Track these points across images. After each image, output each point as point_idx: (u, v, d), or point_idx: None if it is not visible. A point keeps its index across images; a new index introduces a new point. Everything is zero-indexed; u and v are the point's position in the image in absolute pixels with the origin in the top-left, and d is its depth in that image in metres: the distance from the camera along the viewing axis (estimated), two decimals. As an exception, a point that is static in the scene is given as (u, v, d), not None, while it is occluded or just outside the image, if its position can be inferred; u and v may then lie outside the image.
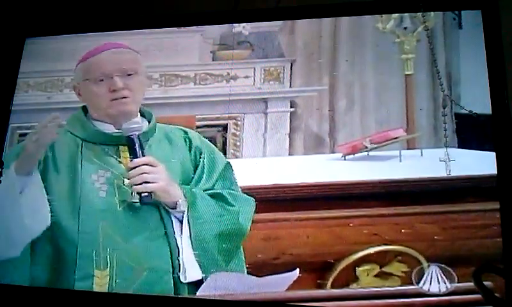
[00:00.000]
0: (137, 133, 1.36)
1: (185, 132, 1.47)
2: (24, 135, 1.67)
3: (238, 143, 1.57)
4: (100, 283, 1.31)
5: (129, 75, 1.41)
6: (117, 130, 1.40)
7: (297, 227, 1.39)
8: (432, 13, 1.52)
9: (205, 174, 1.41)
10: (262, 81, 1.64)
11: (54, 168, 1.39)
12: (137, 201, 1.33)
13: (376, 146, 1.51)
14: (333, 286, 1.36)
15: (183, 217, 1.34)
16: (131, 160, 1.34)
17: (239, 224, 1.37)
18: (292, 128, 1.58)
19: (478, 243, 1.32)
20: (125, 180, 1.36)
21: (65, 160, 1.39)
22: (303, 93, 1.61)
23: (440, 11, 1.54)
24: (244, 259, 1.37)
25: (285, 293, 1.32)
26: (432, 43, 1.50)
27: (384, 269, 1.36)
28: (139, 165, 1.33)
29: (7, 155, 1.55)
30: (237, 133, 1.59)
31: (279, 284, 1.32)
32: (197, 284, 1.33)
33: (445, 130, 1.45)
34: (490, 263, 1.26)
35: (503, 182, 1.31)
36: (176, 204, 1.34)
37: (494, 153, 1.34)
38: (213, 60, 1.66)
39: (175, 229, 1.34)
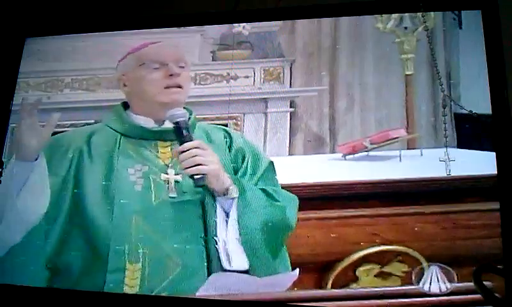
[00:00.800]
0: (183, 119, 1.35)
1: (226, 131, 1.46)
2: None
3: (238, 143, 1.57)
4: (132, 277, 1.30)
5: (181, 67, 1.42)
6: (156, 126, 1.41)
7: (297, 227, 1.39)
8: (432, 13, 1.52)
9: (247, 174, 1.40)
10: (262, 81, 1.64)
11: (89, 161, 1.39)
12: (174, 196, 1.34)
13: (376, 146, 1.51)
14: (333, 286, 1.36)
15: (231, 205, 1.33)
16: (180, 145, 1.33)
17: (286, 218, 1.36)
18: (292, 128, 1.59)
19: (478, 243, 1.32)
20: (162, 175, 1.36)
21: (102, 153, 1.39)
22: (303, 93, 1.61)
23: (440, 11, 1.54)
24: (288, 257, 1.35)
25: (285, 293, 1.32)
26: (432, 43, 1.50)
27: (384, 269, 1.36)
28: (190, 149, 1.32)
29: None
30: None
31: (279, 284, 1.32)
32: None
33: (445, 130, 1.45)
34: (490, 263, 1.26)
35: (503, 182, 1.31)
36: (228, 190, 1.33)
37: (494, 153, 1.34)
38: (213, 60, 1.66)
39: (218, 221, 1.33)
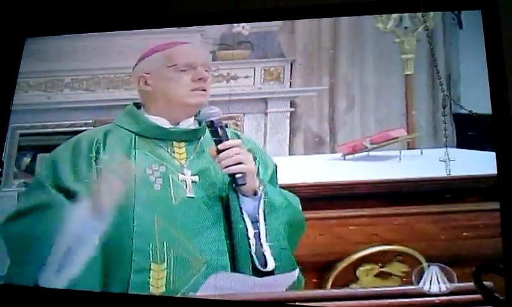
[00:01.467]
0: (216, 117, 1.35)
1: (237, 134, 1.46)
2: (24, 135, 1.68)
3: (238, 143, 1.57)
4: (157, 277, 1.29)
5: (206, 70, 1.42)
6: (172, 126, 1.41)
7: (297, 227, 1.39)
8: (432, 13, 1.52)
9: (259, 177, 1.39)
10: (262, 81, 1.65)
11: (108, 161, 1.38)
12: (193, 196, 1.34)
13: (376, 146, 1.51)
14: (333, 286, 1.37)
15: (257, 206, 1.33)
16: (216, 145, 1.32)
17: (301, 218, 1.37)
18: (292, 128, 1.59)
19: (478, 243, 1.32)
20: (180, 175, 1.36)
21: (118, 154, 1.39)
22: (303, 93, 1.61)
23: (440, 11, 1.54)
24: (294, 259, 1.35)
25: (285, 293, 1.32)
26: (432, 43, 1.50)
27: (384, 269, 1.36)
28: (231, 147, 1.32)
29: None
30: (237, 133, 1.59)
31: (279, 284, 1.32)
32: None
33: (445, 130, 1.45)
34: (490, 263, 1.26)
35: (503, 182, 1.31)
36: (257, 191, 1.33)
37: (494, 153, 1.34)
38: (213, 60, 1.66)
39: (245, 219, 1.32)
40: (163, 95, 1.42)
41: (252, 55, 1.64)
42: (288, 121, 1.60)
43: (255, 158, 1.39)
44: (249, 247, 1.31)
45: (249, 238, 1.31)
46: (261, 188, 1.33)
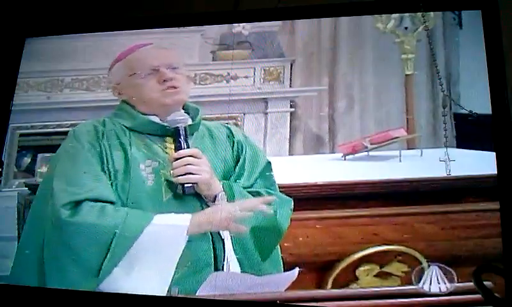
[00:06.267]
0: (183, 125, 1.37)
1: (229, 129, 1.47)
2: (24, 135, 1.68)
3: (238, 143, 1.57)
4: None
5: (174, 68, 1.42)
6: (164, 122, 1.41)
7: (297, 227, 1.39)
8: (432, 13, 1.52)
9: (245, 172, 1.41)
10: (262, 81, 1.65)
11: (108, 153, 1.38)
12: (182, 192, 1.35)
13: (376, 146, 1.51)
14: (333, 286, 1.36)
15: None
16: (176, 151, 1.35)
17: (277, 222, 1.37)
18: (292, 128, 1.59)
19: (478, 243, 1.32)
20: (172, 171, 1.36)
21: (116, 145, 1.39)
22: (303, 93, 1.61)
23: (440, 11, 1.54)
24: (281, 260, 1.36)
25: (285, 293, 1.32)
26: (432, 43, 1.50)
27: (384, 269, 1.36)
28: (184, 157, 1.34)
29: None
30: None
31: (279, 284, 1.32)
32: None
33: (445, 130, 1.45)
34: (490, 263, 1.26)
35: (503, 182, 1.31)
36: (216, 197, 1.34)
37: (494, 153, 1.34)
38: (213, 60, 1.67)
39: None
40: (139, 100, 1.42)
41: (252, 55, 1.64)
42: (288, 121, 1.60)
43: (244, 154, 1.40)
44: (223, 247, 1.33)
45: (224, 238, 1.33)
46: (220, 194, 1.34)
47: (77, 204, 1.31)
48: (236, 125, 1.60)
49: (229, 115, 1.57)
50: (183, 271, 1.30)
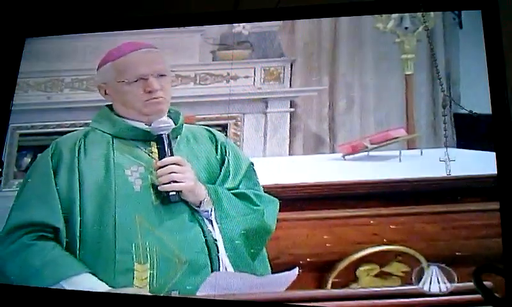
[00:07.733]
0: (166, 132, 1.37)
1: (211, 132, 1.47)
2: (24, 135, 1.68)
3: (238, 143, 1.57)
4: (141, 277, 1.30)
5: (161, 75, 1.42)
6: (147, 127, 1.41)
7: (297, 227, 1.39)
8: (432, 13, 1.52)
9: (230, 174, 1.42)
10: (262, 81, 1.64)
11: (87, 165, 1.39)
12: (172, 196, 1.35)
13: (376, 146, 1.51)
14: (333, 286, 1.36)
15: (210, 214, 1.36)
16: (160, 159, 1.36)
17: (265, 223, 1.38)
18: (292, 128, 1.59)
19: (478, 243, 1.32)
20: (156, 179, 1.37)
21: (97, 157, 1.40)
22: (303, 93, 1.61)
23: (440, 11, 1.54)
24: (268, 259, 1.37)
25: (285, 293, 1.32)
26: (432, 43, 1.50)
27: (384, 269, 1.36)
28: (168, 165, 1.34)
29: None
30: (237, 133, 1.59)
31: (279, 284, 1.32)
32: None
33: (445, 130, 1.45)
34: (490, 263, 1.26)
35: (503, 182, 1.31)
36: (201, 203, 1.35)
37: (494, 153, 1.34)
38: (213, 60, 1.66)
39: (206, 226, 1.35)
40: (123, 104, 1.43)
41: (252, 55, 1.64)
42: (288, 121, 1.60)
43: (228, 157, 1.42)
44: (217, 249, 1.34)
45: (216, 240, 1.34)
46: (206, 200, 1.35)
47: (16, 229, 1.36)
48: (236, 125, 1.60)
49: (229, 115, 1.57)
50: (181, 273, 1.31)
